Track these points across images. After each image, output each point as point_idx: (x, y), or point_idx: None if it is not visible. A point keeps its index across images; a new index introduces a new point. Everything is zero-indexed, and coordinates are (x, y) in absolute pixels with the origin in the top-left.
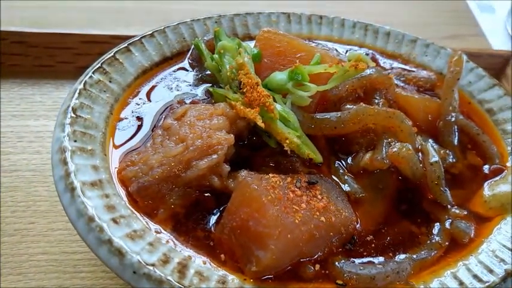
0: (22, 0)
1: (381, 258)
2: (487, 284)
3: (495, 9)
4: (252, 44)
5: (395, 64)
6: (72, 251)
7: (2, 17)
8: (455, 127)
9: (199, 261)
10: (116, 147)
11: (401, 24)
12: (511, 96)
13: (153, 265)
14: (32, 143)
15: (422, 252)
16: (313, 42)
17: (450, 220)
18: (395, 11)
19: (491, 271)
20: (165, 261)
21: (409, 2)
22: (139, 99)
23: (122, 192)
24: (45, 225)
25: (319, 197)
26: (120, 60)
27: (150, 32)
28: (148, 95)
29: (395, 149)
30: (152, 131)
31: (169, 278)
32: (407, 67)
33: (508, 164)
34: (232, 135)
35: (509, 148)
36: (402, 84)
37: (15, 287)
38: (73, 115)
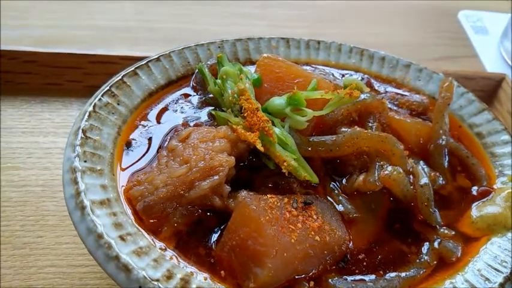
0: (30, 20)
1: (372, 276)
2: None
3: (488, 30)
4: (252, 68)
5: (390, 88)
6: (79, 264)
7: (12, 36)
8: (446, 150)
9: (200, 277)
10: (123, 168)
11: (398, 45)
12: (499, 120)
13: (157, 280)
14: (41, 159)
15: (412, 271)
16: (311, 67)
17: (439, 240)
18: (393, 32)
19: None
20: (169, 276)
21: (406, 23)
22: (146, 121)
23: (129, 211)
24: (53, 239)
25: (315, 217)
26: (128, 84)
27: (156, 56)
28: (154, 117)
29: (386, 172)
30: (158, 152)
31: None
32: (400, 91)
33: (495, 186)
34: (233, 157)
35: (496, 171)
36: (395, 108)
37: None
38: (83, 136)
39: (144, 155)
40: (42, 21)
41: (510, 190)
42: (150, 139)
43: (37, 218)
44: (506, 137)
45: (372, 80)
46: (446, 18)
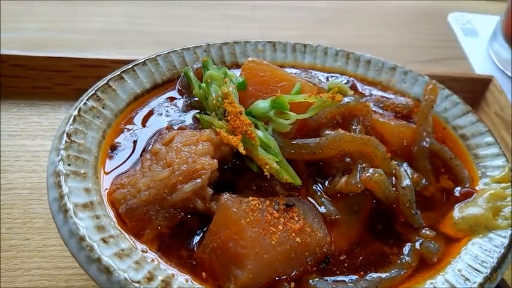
0: (22, 23)
1: (353, 277)
2: None
3: (478, 33)
4: (238, 72)
5: (375, 91)
6: (64, 266)
7: (3, 39)
8: (429, 152)
9: (182, 279)
10: (106, 173)
11: (387, 47)
12: (483, 122)
13: (138, 282)
14: (28, 162)
15: (392, 272)
16: (298, 70)
17: (420, 241)
18: (383, 34)
19: None
20: (150, 278)
21: (396, 26)
22: (131, 124)
23: (112, 214)
24: (40, 241)
25: (296, 218)
26: (113, 87)
27: (142, 60)
28: (139, 120)
29: (368, 174)
30: (141, 155)
31: None
32: (386, 94)
33: (478, 188)
34: (215, 160)
35: (479, 172)
36: (380, 111)
37: None
38: (67, 140)
39: (128, 158)
40: (34, 24)
41: (492, 191)
42: (134, 142)
43: (24, 221)
44: (490, 139)
45: (358, 83)
46: (436, 20)
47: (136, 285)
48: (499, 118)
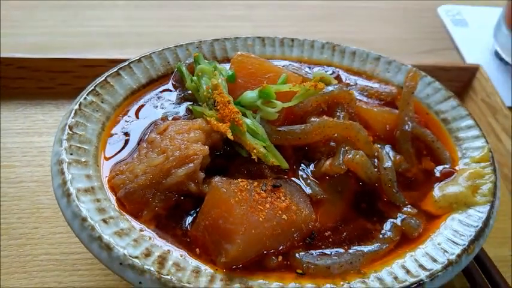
0: (23, 29)
1: (337, 250)
2: (430, 271)
3: (468, 23)
4: (228, 66)
5: (360, 80)
6: (71, 251)
7: (8, 43)
8: (411, 135)
9: (177, 254)
10: (107, 159)
11: (380, 41)
12: (464, 106)
13: (136, 257)
14: (35, 157)
15: (375, 246)
16: (286, 61)
17: (402, 217)
18: (376, 29)
19: (435, 260)
20: (147, 254)
21: (388, 20)
22: (128, 117)
23: (112, 197)
24: (48, 229)
25: (283, 198)
26: (111, 83)
27: (137, 58)
28: (135, 113)
29: (350, 156)
30: (138, 144)
31: (150, 268)
32: (370, 83)
33: (458, 168)
34: (207, 146)
35: (460, 154)
36: (365, 99)
37: (21, 284)
38: (69, 132)
39: (126, 147)
40: (36, 29)
41: (472, 170)
42: (131, 133)
43: (32, 211)
44: (470, 122)
45: (343, 73)
46: (426, 13)
47: (135, 260)
48: (485, 104)
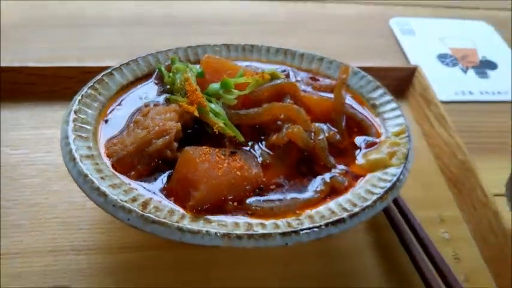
0: (26, 46)
1: (279, 197)
2: (350, 212)
3: (415, 32)
4: (198, 66)
5: (306, 76)
6: (75, 215)
7: (18, 57)
8: (344, 116)
9: (156, 200)
10: (102, 137)
11: (337, 49)
12: (389, 93)
13: (125, 202)
14: (45, 145)
15: (308, 195)
16: (248, 63)
17: (332, 175)
18: (333, 39)
19: (355, 205)
20: (134, 200)
21: (345, 32)
22: (119, 105)
23: (108, 162)
24: (56, 199)
25: (238, 161)
26: (106, 81)
27: (127, 61)
28: (125, 102)
29: (289, 129)
30: (127, 125)
31: (135, 209)
32: (314, 77)
33: (380, 140)
34: (179, 123)
35: (384, 130)
36: (310, 90)
37: (37, 240)
38: (74, 115)
39: (117, 127)
40: (42, 44)
41: (391, 141)
42: (121, 117)
43: (43, 186)
44: (394, 105)
45: (293, 71)
46: (379, 25)
47: (125, 203)
48: (422, 98)
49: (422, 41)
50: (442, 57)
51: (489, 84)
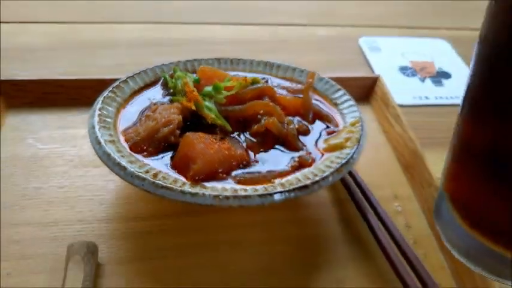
0: (57, 61)
1: (258, 171)
2: (312, 180)
3: (381, 49)
4: (195, 75)
5: (282, 82)
6: (97, 194)
7: (42, 70)
8: (311, 112)
9: (164, 172)
10: (120, 128)
11: (312, 65)
12: (348, 94)
13: (140, 173)
14: (69, 141)
15: (282, 168)
16: (235, 72)
17: (300, 154)
18: (309, 57)
19: (316, 175)
20: (147, 171)
21: (319, 50)
22: (132, 105)
23: (125, 146)
24: (81, 183)
25: (226, 144)
26: (122, 86)
27: (138, 72)
28: (137, 103)
29: (267, 120)
30: (140, 119)
31: (148, 177)
32: (288, 83)
33: (339, 129)
34: (180, 116)
35: (343, 122)
36: (285, 92)
37: (68, 213)
38: (98, 112)
39: (131, 121)
40: (62, 63)
41: (347, 129)
42: (134, 113)
43: (70, 173)
44: (351, 102)
45: (272, 79)
46: (350, 44)
47: (140, 173)
48: (382, 102)
49: (387, 56)
50: (403, 69)
51: (444, 91)
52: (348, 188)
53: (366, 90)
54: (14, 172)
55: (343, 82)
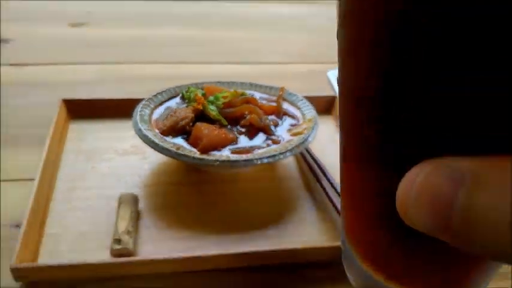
0: (100, 91)
1: (244, 146)
2: (279, 152)
3: None
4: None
5: (264, 96)
6: (134, 172)
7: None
8: (282, 113)
9: (183, 146)
10: (152, 124)
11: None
12: (308, 102)
13: (168, 146)
14: (115, 139)
15: (260, 145)
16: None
17: (273, 138)
18: (284, 84)
19: (282, 149)
20: (172, 146)
21: (293, 79)
22: (160, 108)
23: (158, 132)
24: (124, 165)
25: (223, 131)
26: (153, 99)
27: (164, 89)
28: (162, 109)
29: (250, 116)
30: (166, 117)
31: (173, 149)
32: (267, 96)
33: (300, 123)
34: (193, 114)
35: (302, 118)
36: (265, 102)
37: (114, 183)
38: (139, 113)
39: (159, 119)
40: (103, 92)
41: (306, 123)
42: (161, 115)
43: (116, 159)
44: (310, 107)
45: (256, 93)
46: (319, 76)
47: (168, 147)
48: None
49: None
50: None
51: None
52: (308, 163)
53: (327, 105)
54: (78, 159)
55: (310, 100)
